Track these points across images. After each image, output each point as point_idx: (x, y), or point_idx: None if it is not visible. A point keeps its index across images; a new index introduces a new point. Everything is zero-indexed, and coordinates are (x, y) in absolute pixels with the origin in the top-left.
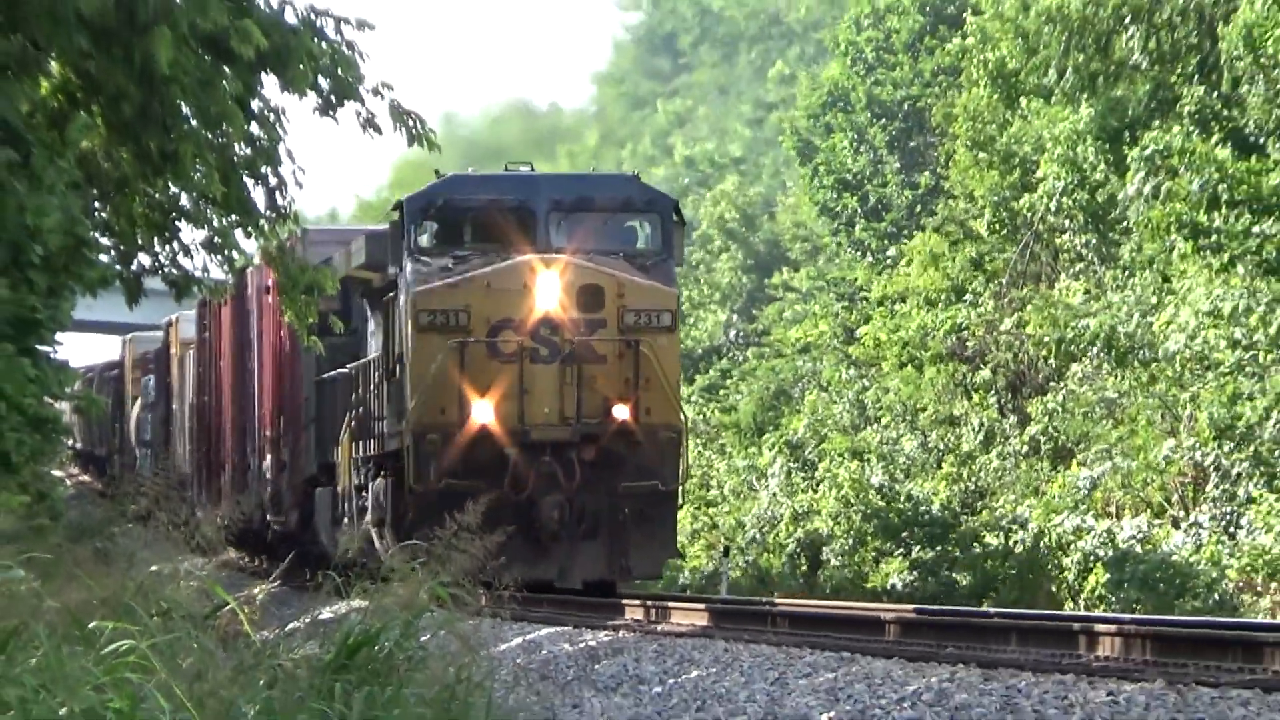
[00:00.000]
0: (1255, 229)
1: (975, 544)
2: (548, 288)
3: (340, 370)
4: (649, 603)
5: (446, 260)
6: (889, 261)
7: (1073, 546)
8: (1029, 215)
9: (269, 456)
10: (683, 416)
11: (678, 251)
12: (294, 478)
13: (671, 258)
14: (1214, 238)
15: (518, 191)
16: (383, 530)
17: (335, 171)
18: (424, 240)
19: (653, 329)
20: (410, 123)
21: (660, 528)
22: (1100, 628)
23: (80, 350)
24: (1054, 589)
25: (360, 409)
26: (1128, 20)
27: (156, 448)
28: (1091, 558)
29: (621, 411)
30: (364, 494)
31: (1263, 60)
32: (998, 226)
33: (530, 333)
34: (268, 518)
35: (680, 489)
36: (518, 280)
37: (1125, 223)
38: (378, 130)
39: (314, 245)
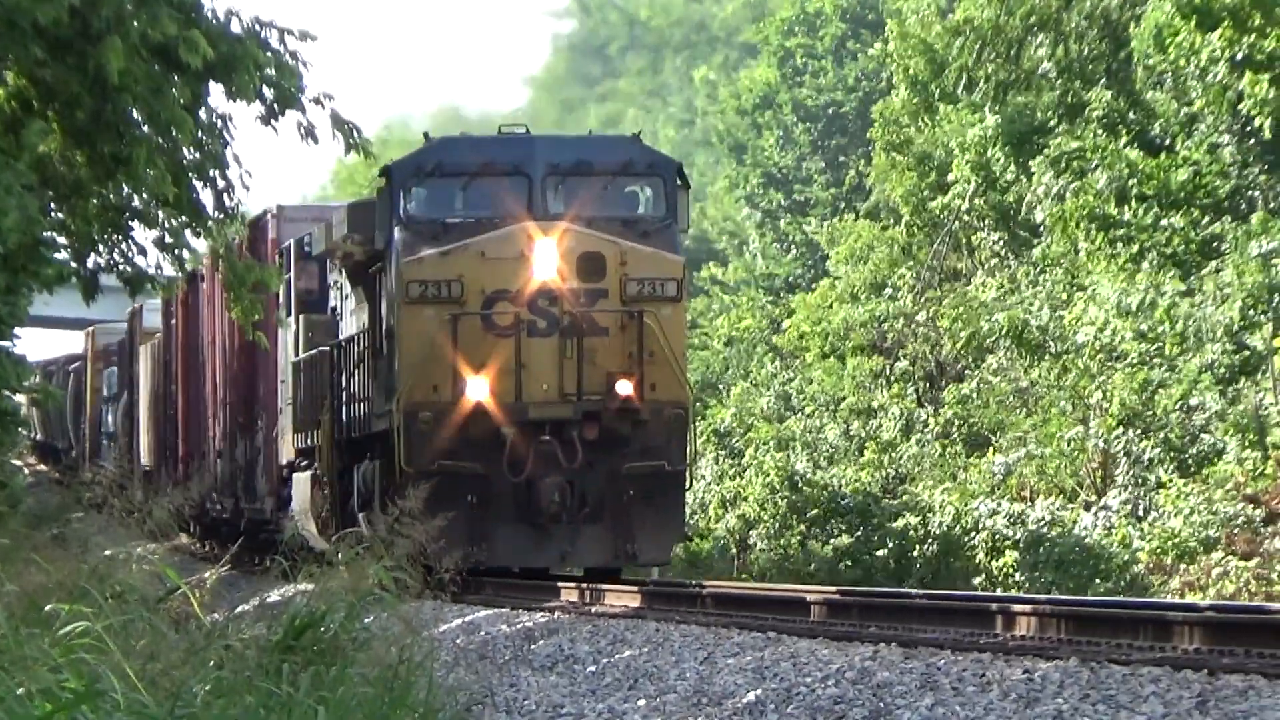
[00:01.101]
0: (1163, 222)
1: (895, 527)
2: (545, 256)
3: (319, 349)
4: (583, 585)
5: (437, 228)
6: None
7: (986, 529)
8: (944, 216)
9: (241, 443)
10: (689, 392)
11: (682, 217)
12: (269, 463)
13: (676, 223)
14: (1124, 230)
15: (512, 155)
16: (370, 516)
17: (279, 170)
18: (413, 207)
19: (657, 299)
20: (348, 132)
21: (667, 510)
22: (1017, 608)
23: (42, 344)
24: (969, 571)
25: (343, 389)
26: (1036, 29)
27: (120, 439)
28: (1002, 539)
29: (625, 387)
30: (347, 478)
31: (1172, 55)
32: (916, 227)
33: (527, 304)
34: (240, 505)
35: (689, 469)
36: (514, 248)
37: (1035, 223)
38: (316, 140)
39: (289, 222)
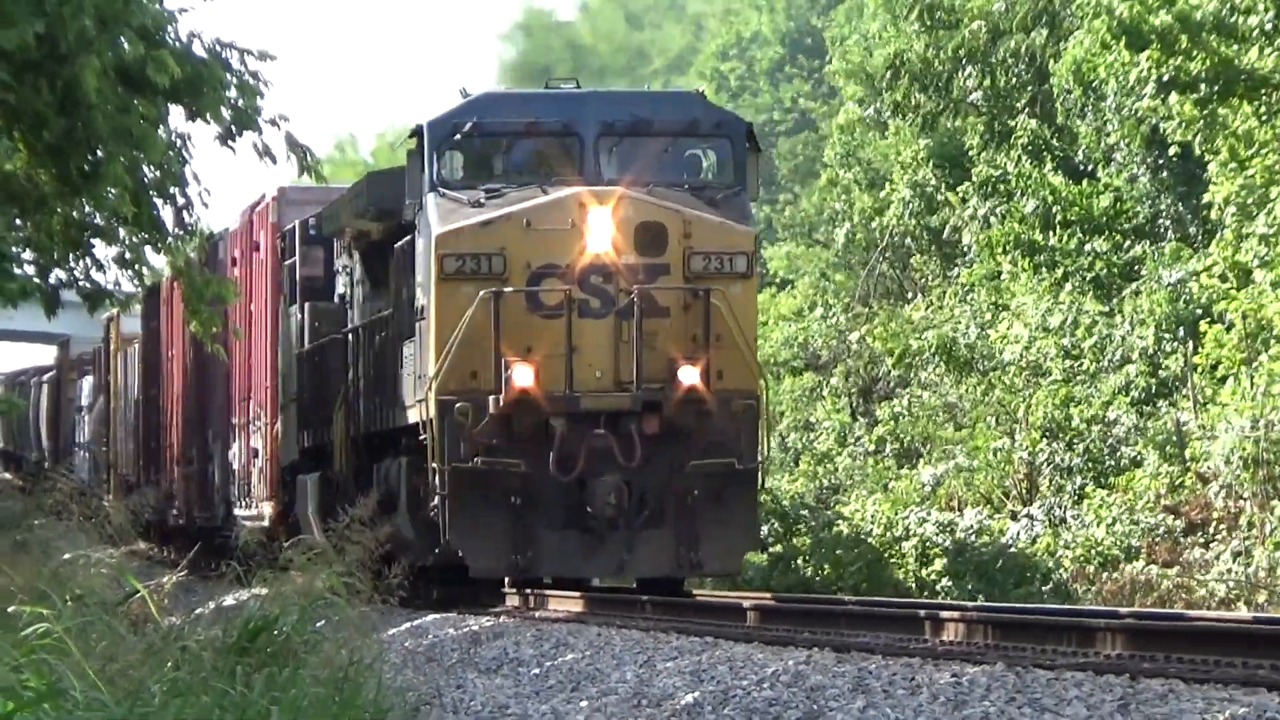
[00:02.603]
0: (1086, 247)
1: (828, 536)
2: (600, 227)
3: (332, 337)
4: (527, 590)
5: (477, 195)
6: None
7: (914, 538)
8: (880, 236)
9: (235, 444)
10: (761, 380)
11: (752, 183)
12: (268, 465)
13: (745, 190)
14: (1047, 254)
15: (562, 112)
16: (393, 517)
17: (236, 184)
18: (449, 171)
19: (725, 275)
20: (302, 154)
21: (737, 514)
22: (945, 614)
23: (14, 357)
24: (899, 578)
25: (360, 381)
26: (965, 62)
27: (95, 448)
28: (932, 547)
29: (690, 375)
30: (365, 479)
31: (1093, 89)
32: (857, 245)
33: (579, 281)
34: (234, 512)
35: (761, 468)
36: (564, 218)
37: (963, 246)
38: (273, 160)
39: (291, 205)
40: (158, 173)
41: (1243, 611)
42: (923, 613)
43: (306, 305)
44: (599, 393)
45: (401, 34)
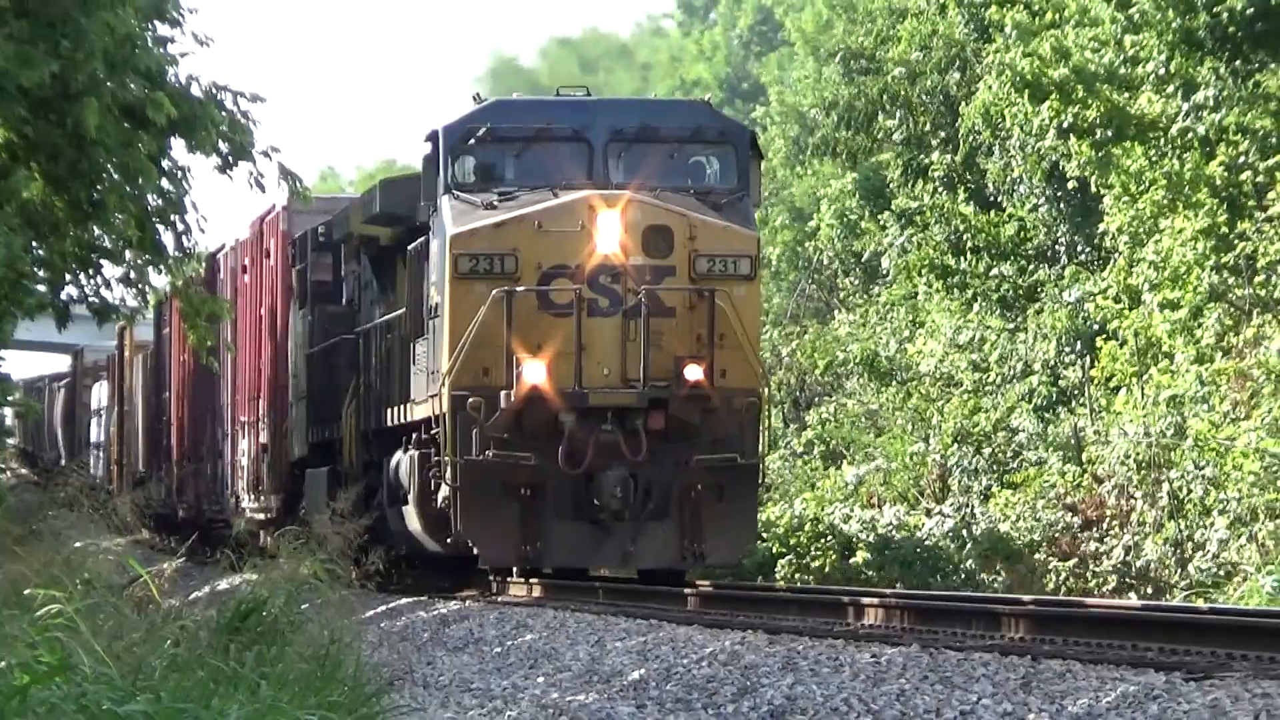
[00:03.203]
0: (993, 270)
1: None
2: (609, 229)
3: (342, 337)
4: (491, 577)
5: (490, 197)
6: None
7: (839, 531)
8: (809, 260)
9: (243, 441)
10: (763, 379)
11: (755, 189)
12: (277, 460)
13: (748, 195)
14: (959, 277)
15: (572, 119)
16: (402, 510)
17: (240, 199)
18: (463, 175)
19: (729, 277)
20: (292, 181)
21: (739, 507)
22: (866, 601)
23: (33, 365)
24: (825, 568)
25: (371, 378)
26: (887, 104)
27: (109, 447)
28: (855, 540)
29: (695, 372)
30: (374, 472)
31: (999, 132)
32: (787, 269)
33: (588, 281)
34: (241, 505)
35: (761, 463)
36: (574, 220)
37: (884, 269)
38: (263, 189)
39: (300, 214)
40: (160, 201)
41: (1133, 599)
42: (846, 599)
43: (316, 308)
44: (607, 389)
45: (382, 74)
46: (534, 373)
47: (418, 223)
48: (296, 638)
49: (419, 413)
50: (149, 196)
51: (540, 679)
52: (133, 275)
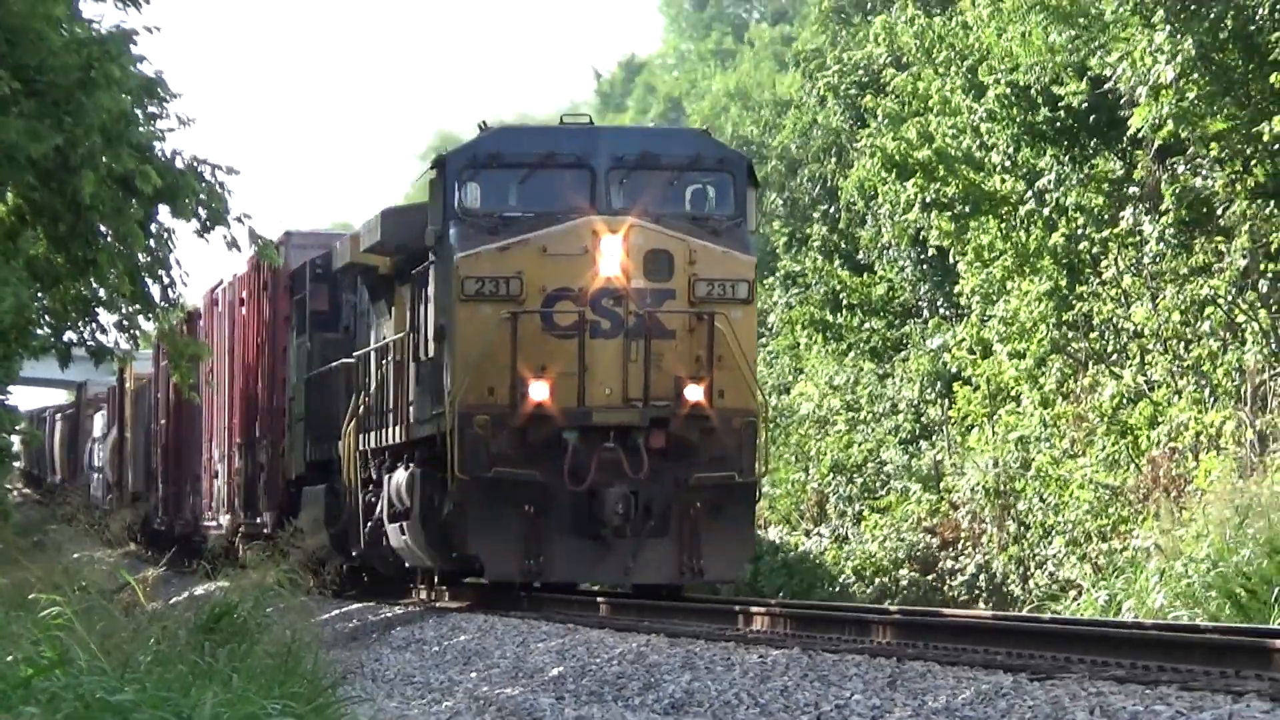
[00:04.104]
0: (865, 325)
1: None
2: (611, 253)
3: (342, 361)
4: (428, 586)
5: (495, 222)
6: None
7: None
8: None
9: (239, 461)
10: (760, 400)
11: (751, 216)
12: (273, 478)
13: (746, 222)
14: (835, 330)
15: (575, 146)
16: (404, 525)
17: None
18: (469, 200)
19: (727, 301)
20: (262, 244)
21: (737, 525)
22: (754, 609)
23: (38, 398)
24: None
25: (371, 399)
26: (770, 189)
27: (108, 470)
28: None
29: (695, 392)
30: (373, 488)
31: (871, 205)
32: None
33: (591, 303)
34: (237, 520)
35: (758, 482)
36: (577, 244)
37: (770, 324)
38: (239, 249)
39: (297, 247)
40: (147, 259)
41: (984, 610)
42: (737, 608)
43: (314, 335)
44: (609, 408)
45: (334, 150)
46: (539, 391)
47: (426, 246)
48: (263, 637)
49: (423, 431)
50: (138, 255)
51: (473, 674)
52: (125, 323)
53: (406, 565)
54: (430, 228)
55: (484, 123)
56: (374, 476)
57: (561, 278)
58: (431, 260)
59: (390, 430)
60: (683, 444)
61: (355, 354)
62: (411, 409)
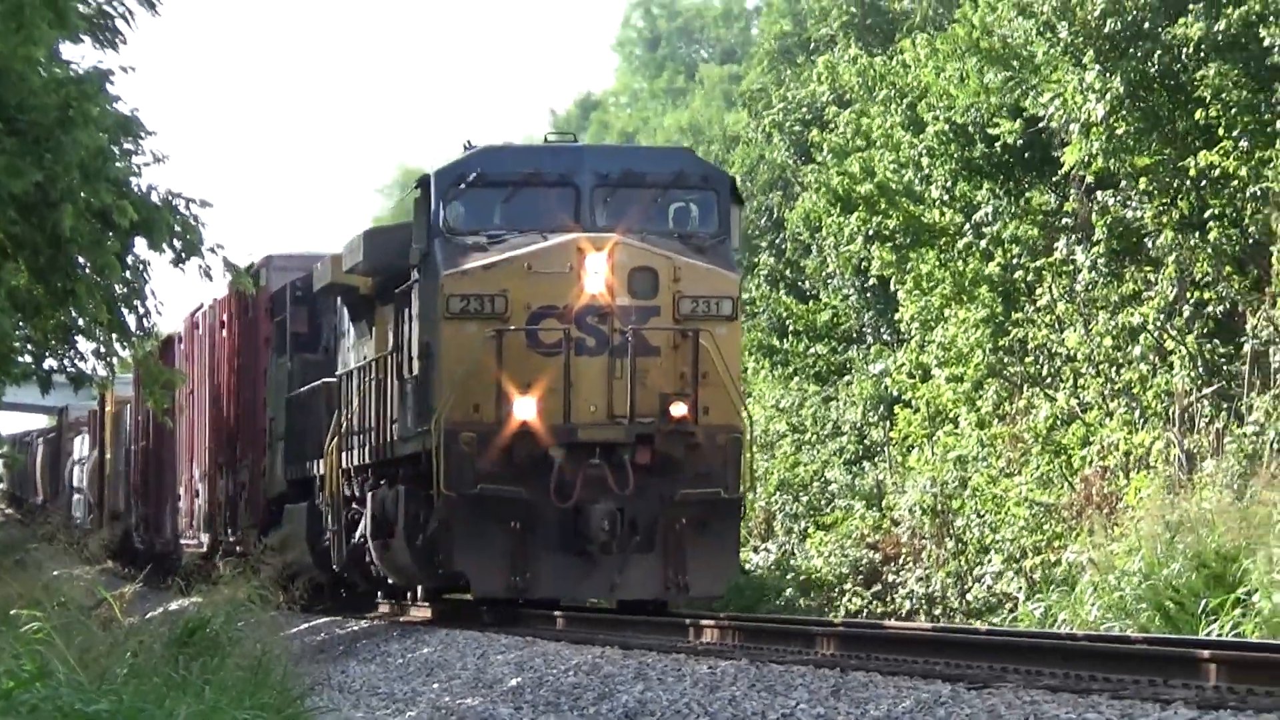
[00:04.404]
0: (810, 350)
1: None
2: (596, 270)
3: (322, 381)
4: (392, 601)
5: (481, 240)
6: None
7: None
8: None
9: (221, 480)
10: (745, 416)
11: (735, 234)
12: (254, 497)
13: (730, 239)
14: (782, 356)
15: (560, 164)
16: (388, 542)
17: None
18: (454, 218)
19: (712, 318)
20: (236, 273)
21: (722, 541)
22: (705, 622)
23: (17, 424)
24: None
25: (354, 417)
26: None
27: (88, 493)
28: None
29: (679, 409)
30: (355, 505)
31: (816, 237)
32: None
33: (576, 320)
34: (218, 538)
35: (743, 498)
36: (563, 262)
37: None
38: (211, 279)
39: (278, 270)
40: (124, 289)
41: (923, 622)
42: (687, 620)
43: (295, 356)
44: (595, 425)
45: (308, 176)
46: (525, 409)
47: (408, 266)
48: (234, 650)
49: (407, 449)
50: (115, 286)
51: (435, 685)
52: (102, 350)
53: (389, 581)
54: (415, 246)
55: (469, 142)
56: (356, 494)
57: (547, 295)
58: (416, 278)
59: (373, 448)
60: (668, 460)
61: (336, 374)
62: (395, 427)
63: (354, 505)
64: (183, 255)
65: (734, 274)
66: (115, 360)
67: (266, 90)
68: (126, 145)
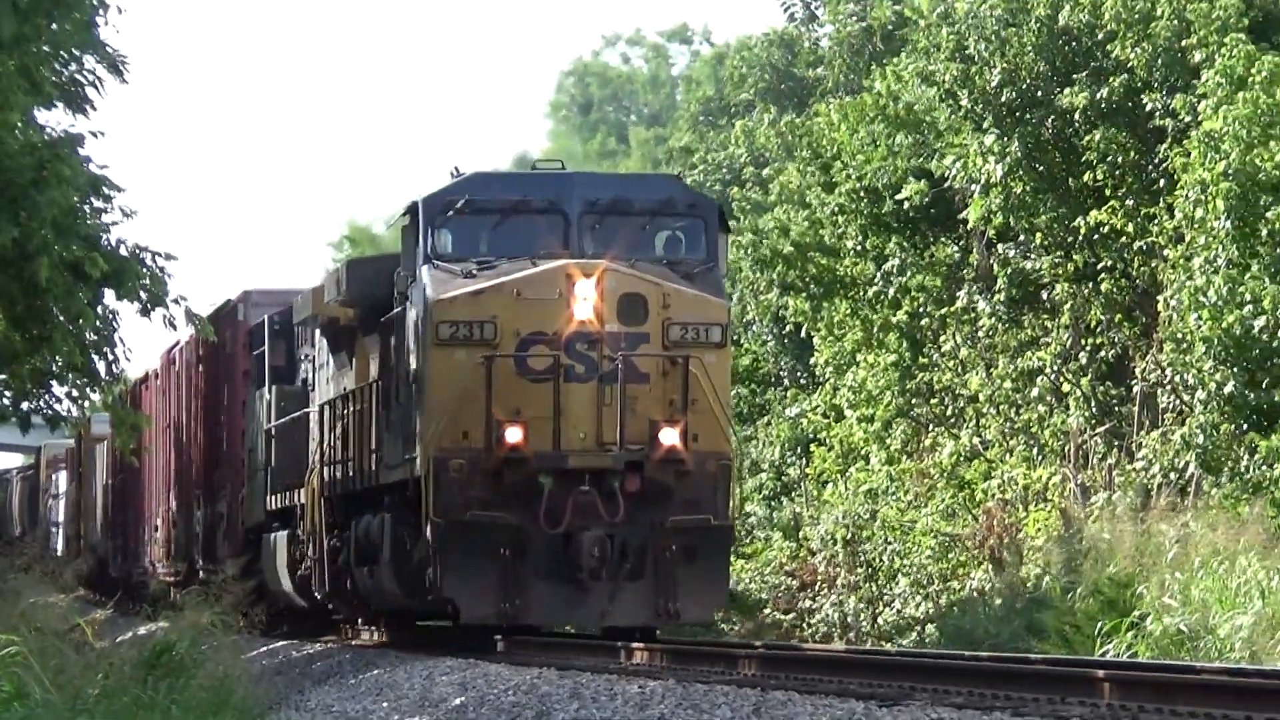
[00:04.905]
0: (732, 394)
1: None
2: (585, 297)
3: (303, 411)
4: (344, 625)
5: (469, 266)
6: None
7: None
8: None
9: (199, 510)
10: (733, 444)
11: (723, 260)
12: (233, 527)
13: (718, 266)
14: None
15: (548, 191)
16: (373, 569)
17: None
18: (442, 245)
19: (701, 344)
20: (197, 323)
21: (712, 567)
22: (635, 645)
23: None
24: None
25: (336, 446)
26: None
27: (66, 526)
28: None
29: (670, 436)
30: (338, 533)
31: (736, 287)
32: None
33: (565, 347)
34: (196, 568)
35: (733, 525)
36: (552, 288)
37: None
38: (175, 328)
39: (255, 306)
40: (95, 337)
41: (837, 644)
42: (619, 644)
43: (274, 388)
44: (584, 452)
45: (273, 222)
46: (513, 436)
47: (391, 295)
48: (199, 672)
49: (393, 476)
50: (87, 334)
51: (385, 704)
52: (75, 394)
53: (371, 607)
54: (402, 273)
55: (457, 168)
56: (339, 522)
57: (536, 322)
58: (403, 306)
59: (356, 476)
60: (658, 487)
61: (317, 404)
62: (380, 455)
63: (336, 533)
64: (149, 305)
65: (723, 301)
66: (87, 403)
67: (238, 138)
68: (97, 203)
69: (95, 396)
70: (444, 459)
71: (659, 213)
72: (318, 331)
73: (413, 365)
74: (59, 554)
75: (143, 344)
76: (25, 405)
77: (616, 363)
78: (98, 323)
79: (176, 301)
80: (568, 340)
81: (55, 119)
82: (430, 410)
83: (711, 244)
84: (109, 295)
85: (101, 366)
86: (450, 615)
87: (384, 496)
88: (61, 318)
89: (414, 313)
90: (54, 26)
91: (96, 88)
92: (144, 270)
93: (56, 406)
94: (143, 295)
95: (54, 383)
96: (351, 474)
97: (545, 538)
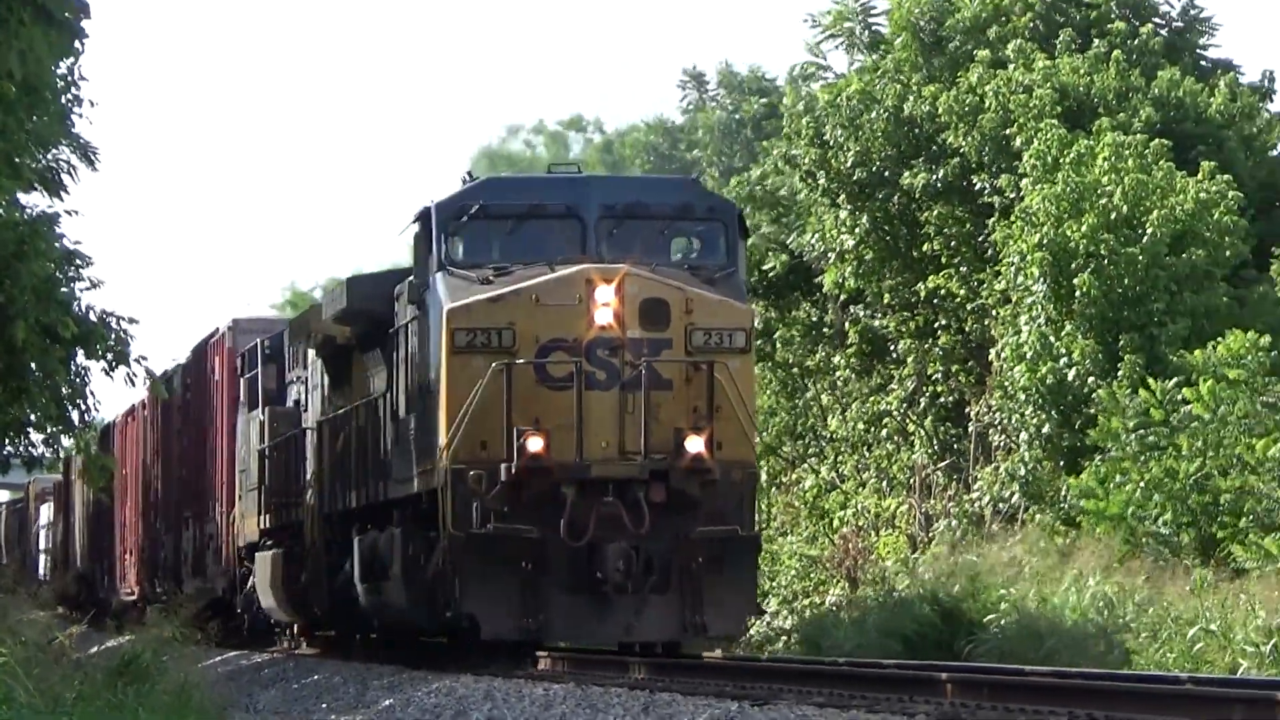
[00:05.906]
0: None
1: None
2: (606, 302)
3: (301, 430)
4: (291, 638)
5: (485, 272)
6: None
7: None
8: None
9: (187, 532)
10: (757, 452)
11: (743, 266)
12: (223, 546)
13: (739, 271)
14: None
15: (564, 195)
16: (381, 585)
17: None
18: (456, 251)
19: (725, 350)
20: (155, 380)
21: (740, 579)
22: (540, 653)
23: None
24: None
25: (334, 463)
26: None
27: (55, 551)
28: None
29: (696, 444)
30: (338, 550)
31: None
32: None
33: (586, 354)
34: (184, 586)
35: (759, 535)
36: (571, 294)
37: None
38: (134, 385)
39: (243, 333)
40: (69, 390)
41: (718, 653)
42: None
43: (267, 409)
44: (607, 461)
45: (252, 257)
46: (535, 444)
47: (393, 309)
48: (162, 679)
49: (403, 490)
50: (61, 388)
51: (324, 706)
52: (50, 440)
53: (375, 623)
54: (413, 281)
55: (469, 174)
56: (339, 539)
57: (555, 328)
58: (412, 315)
59: (360, 492)
60: (684, 497)
61: (313, 423)
62: (388, 468)
63: (336, 550)
64: (113, 364)
65: (747, 305)
66: (60, 449)
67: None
68: (70, 274)
69: (68, 442)
70: (461, 470)
71: (677, 217)
72: (311, 353)
73: (424, 376)
74: (45, 578)
75: (104, 405)
76: (5, 450)
77: (639, 369)
78: (72, 378)
79: (138, 361)
80: (589, 347)
81: (34, 200)
82: (445, 420)
83: (731, 248)
84: (80, 355)
85: (75, 415)
86: (467, 631)
87: (393, 511)
88: (38, 373)
89: (425, 321)
90: (34, 118)
91: (70, 174)
92: (109, 333)
93: (34, 450)
94: (109, 356)
95: (31, 430)
96: (353, 491)
97: (568, 550)
